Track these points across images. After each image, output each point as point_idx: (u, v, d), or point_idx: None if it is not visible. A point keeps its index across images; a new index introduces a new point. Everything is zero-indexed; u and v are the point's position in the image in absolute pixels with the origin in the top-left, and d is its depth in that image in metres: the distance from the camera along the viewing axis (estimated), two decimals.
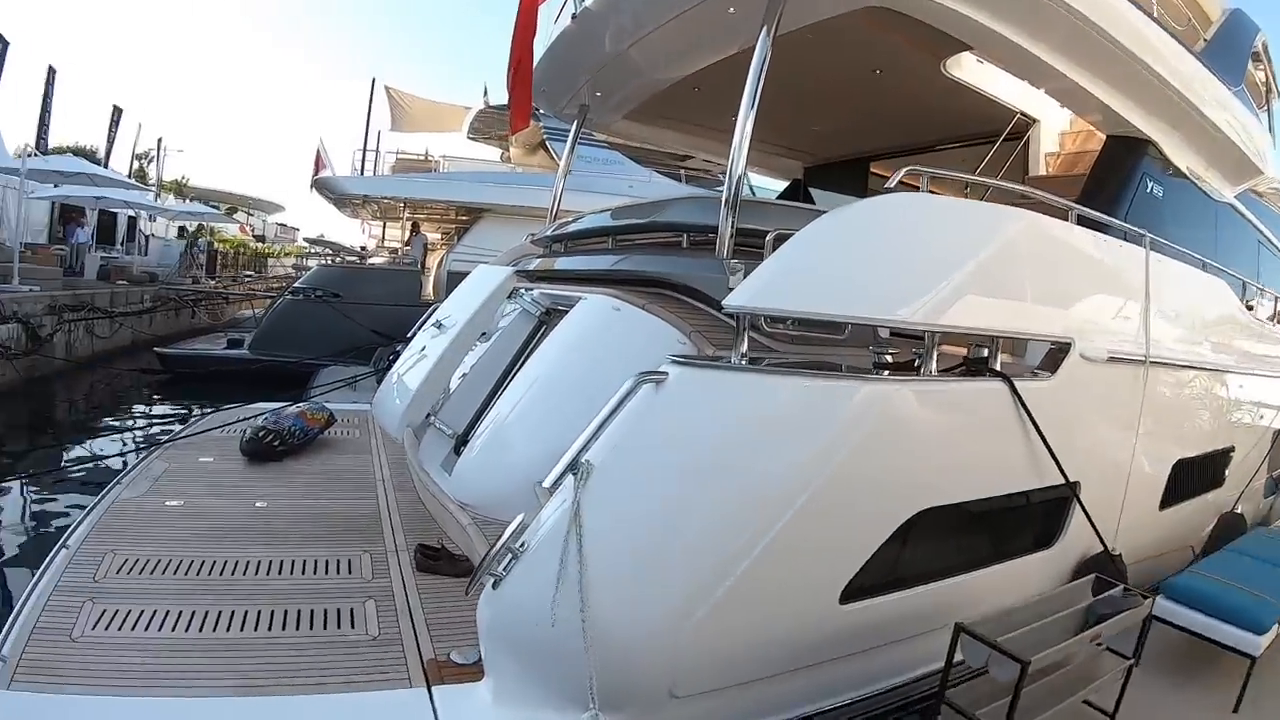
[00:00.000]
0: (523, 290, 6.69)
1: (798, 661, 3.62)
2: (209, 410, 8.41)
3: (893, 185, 4.24)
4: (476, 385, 6.20)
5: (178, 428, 7.60)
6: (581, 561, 3.07)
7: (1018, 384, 4.09)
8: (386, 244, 27.57)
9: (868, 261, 3.93)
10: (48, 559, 4.18)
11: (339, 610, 3.87)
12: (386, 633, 3.71)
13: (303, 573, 4.28)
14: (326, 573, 4.31)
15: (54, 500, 8.81)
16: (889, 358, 4.02)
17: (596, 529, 3.14)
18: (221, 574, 4.18)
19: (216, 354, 17.07)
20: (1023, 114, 7.70)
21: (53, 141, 28.08)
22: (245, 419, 7.18)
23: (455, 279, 19.62)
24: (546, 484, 3.25)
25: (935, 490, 3.88)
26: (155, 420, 13.87)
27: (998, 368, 4.16)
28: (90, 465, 10.04)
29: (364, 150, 23.37)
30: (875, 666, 3.96)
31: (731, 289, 3.89)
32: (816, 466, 3.45)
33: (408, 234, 21.23)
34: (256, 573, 4.22)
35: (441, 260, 20.38)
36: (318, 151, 21.82)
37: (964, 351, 4.33)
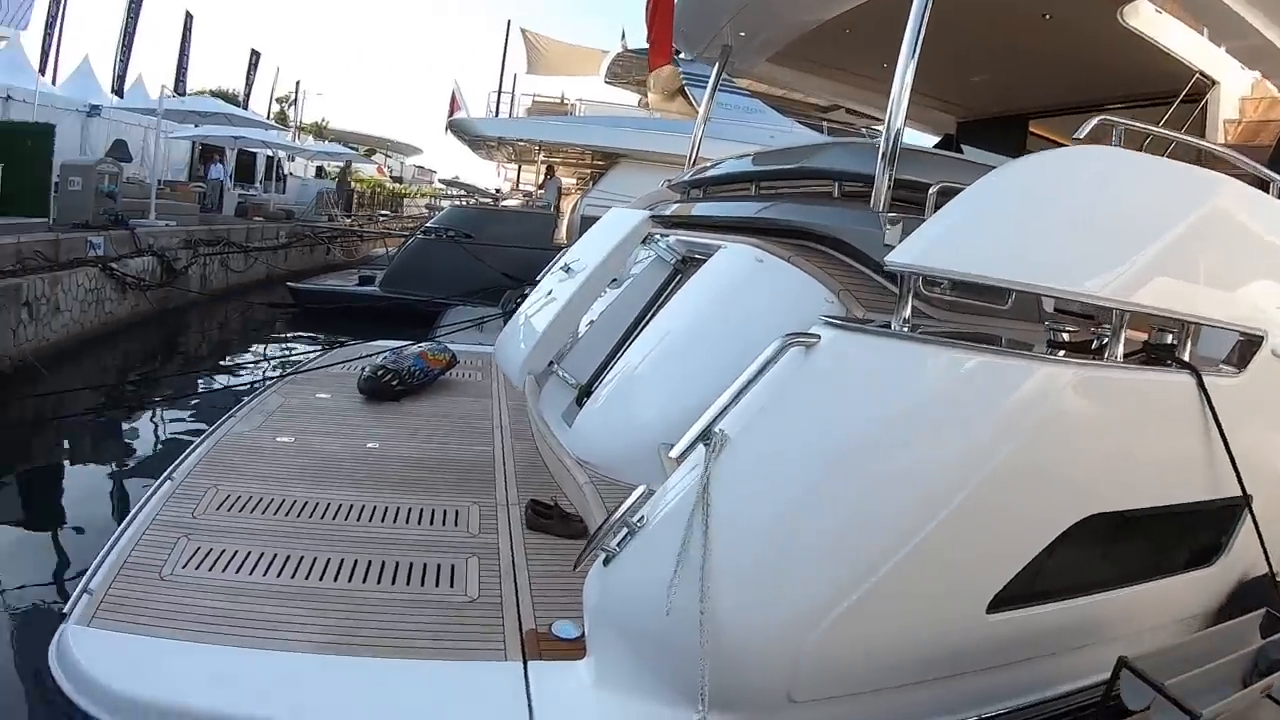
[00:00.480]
0: (657, 236, 6.26)
1: (933, 672, 3.18)
2: (335, 345, 8.34)
3: (1082, 136, 3.63)
4: (604, 333, 5.83)
5: (301, 361, 7.53)
6: (706, 546, 2.67)
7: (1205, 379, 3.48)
8: (521, 187, 27.58)
9: (1053, 223, 3.36)
10: (149, 491, 4.04)
11: (439, 566, 3.59)
12: (486, 595, 3.40)
13: (406, 521, 4.04)
14: (432, 523, 4.05)
15: (177, 428, 8.92)
16: (1066, 336, 3.53)
17: (725, 511, 2.74)
18: (324, 517, 3.97)
19: (347, 290, 17.28)
20: (1201, 74, 6.90)
21: (194, 86, 28.78)
22: (366, 355, 7.06)
23: (589, 223, 19.43)
24: (675, 453, 2.84)
25: (1104, 494, 3.35)
26: (283, 354, 13.99)
27: (1186, 358, 3.55)
28: (216, 395, 10.16)
29: (499, 92, 23.26)
30: (1013, 680, 3.47)
31: (888, 245, 3.54)
32: (983, 458, 2.97)
33: (542, 177, 21.05)
34: (359, 518, 3.99)
35: (576, 205, 20.13)
36: (453, 93, 21.70)
37: (1142, 336, 3.75)
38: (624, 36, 22.40)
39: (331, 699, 2.72)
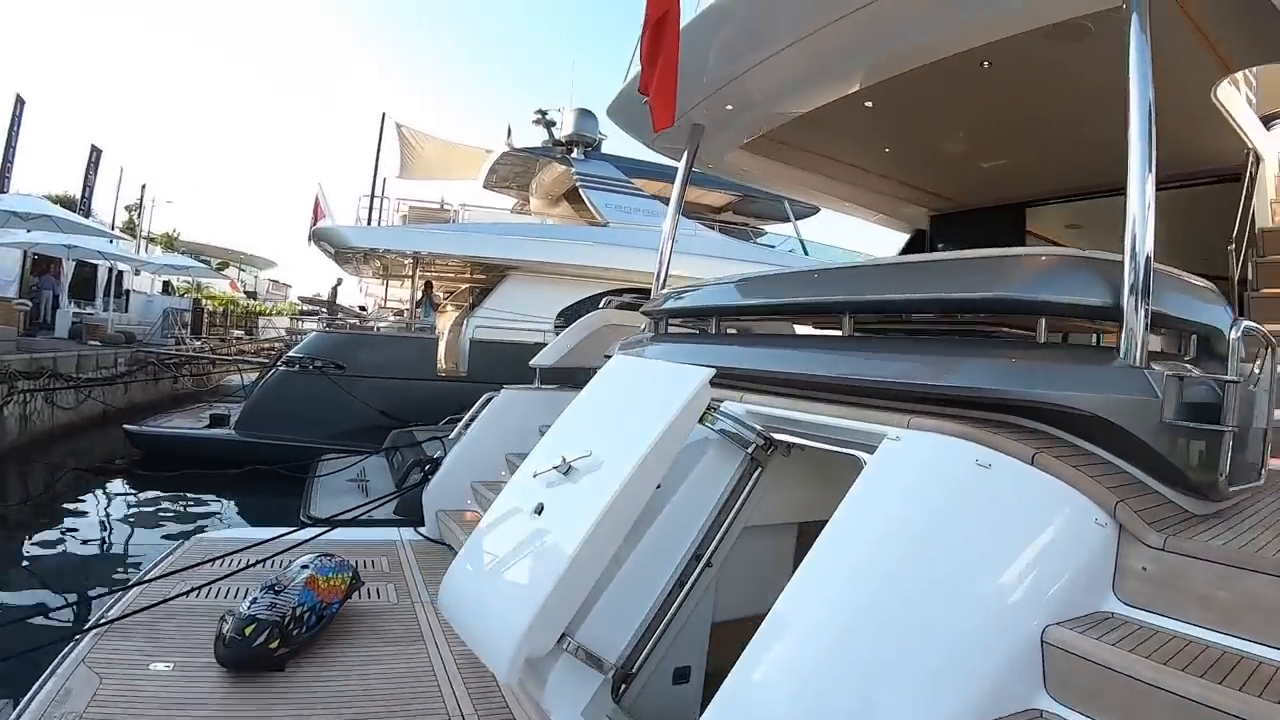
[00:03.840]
0: (720, 404, 3.93)
1: None
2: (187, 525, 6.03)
3: None
4: (648, 573, 3.66)
5: (118, 591, 5.11)
6: None
7: None
8: (389, 304, 25.08)
9: None
10: None
11: None
12: None
13: None
14: None
15: None
16: None
17: None
18: None
19: (196, 434, 14.42)
20: (1254, 150, 6.35)
21: (29, 186, 25.55)
22: (228, 553, 5.46)
23: (480, 348, 17.71)
24: None
25: None
26: (107, 550, 10.39)
27: None
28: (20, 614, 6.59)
29: (372, 197, 20.41)
30: None
31: (1167, 420, 2.88)
32: None
33: (419, 293, 18.56)
34: None
35: (463, 325, 17.75)
36: (317, 198, 19.06)
37: None
38: (510, 134, 20.35)
39: None
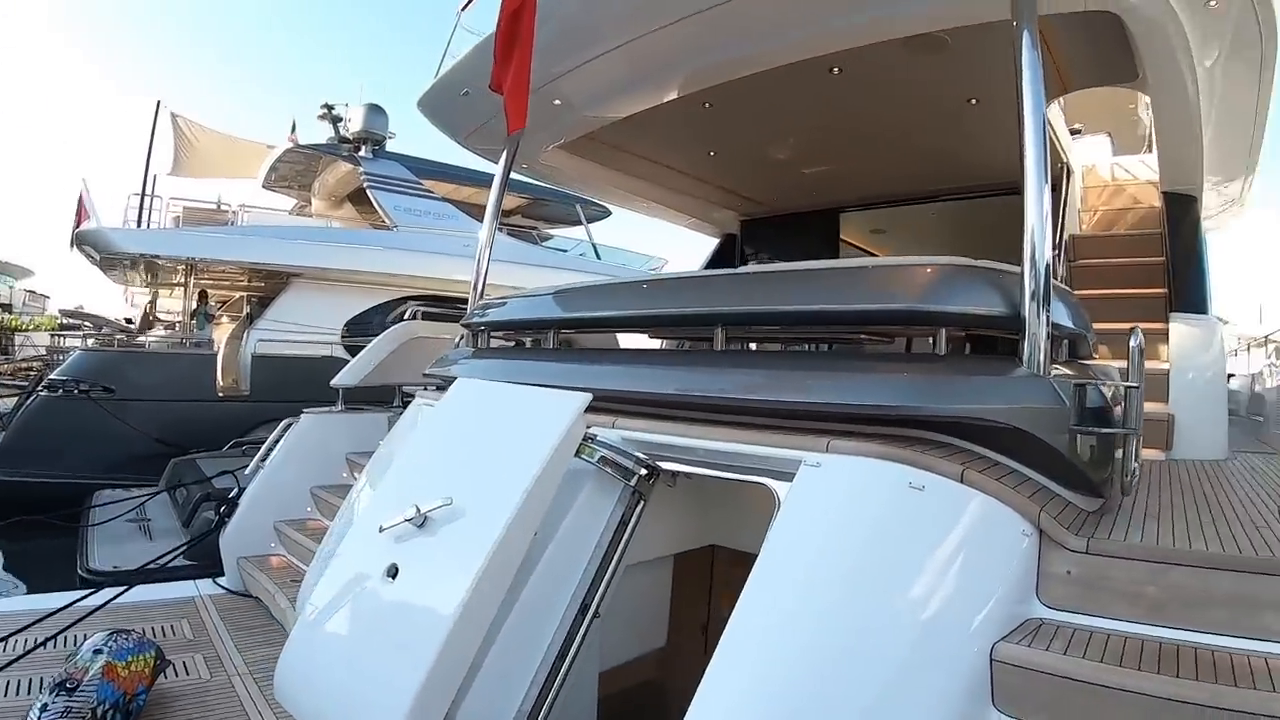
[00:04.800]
0: (597, 434, 3.49)
1: None
2: None
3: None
4: (532, 632, 3.19)
5: None
6: None
7: None
8: (160, 315, 23.05)
9: None
10: None
11: None
12: None
13: None
14: None
15: None
16: None
17: None
18: None
19: None
20: (1067, 163, 7.14)
21: None
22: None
23: (263, 364, 16.43)
24: None
25: None
26: None
27: None
28: None
29: (143, 196, 18.57)
30: None
31: (1074, 426, 2.96)
32: None
33: (193, 303, 16.98)
34: None
35: (242, 338, 16.30)
36: (81, 198, 17.12)
37: None
38: (294, 129, 19.01)
39: None
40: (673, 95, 5.90)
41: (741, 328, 3.99)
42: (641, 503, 3.39)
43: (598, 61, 5.41)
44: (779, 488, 2.87)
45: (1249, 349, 10.03)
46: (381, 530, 3.12)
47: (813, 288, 3.50)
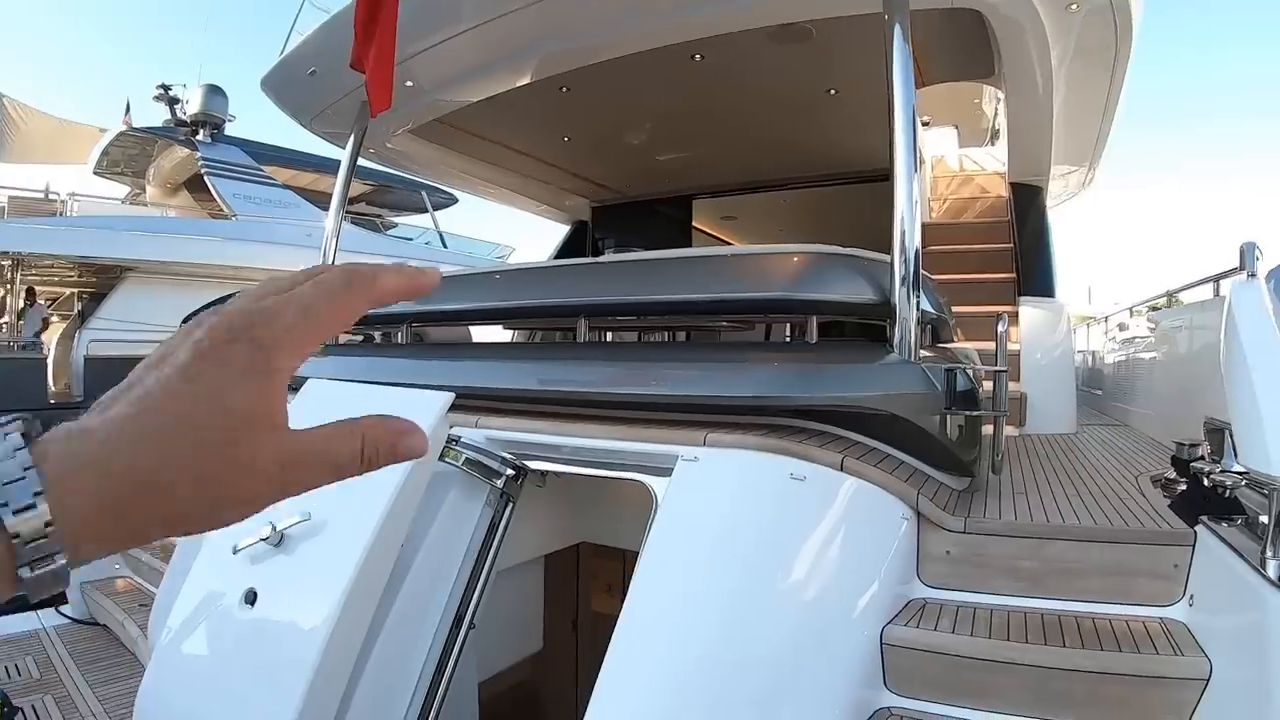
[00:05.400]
0: (460, 437, 3.24)
1: None
2: None
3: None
4: (405, 649, 2.97)
5: None
6: None
7: None
8: None
9: None
10: None
11: None
12: None
13: None
14: None
15: None
16: None
17: None
18: None
19: None
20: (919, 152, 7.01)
21: None
22: None
23: (97, 366, 15.31)
24: None
25: None
26: None
27: None
28: None
29: None
30: None
31: (947, 410, 2.96)
32: None
33: (20, 303, 15.73)
34: None
35: (73, 339, 15.26)
36: None
37: None
38: (129, 110, 17.83)
39: None
40: (530, 79, 5.74)
41: (604, 318, 3.89)
42: (510, 505, 3.23)
43: (453, 42, 5.19)
44: (655, 484, 2.78)
45: (1088, 327, 10.57)
46: (236, 551, 2.88)
47: (684, 276, 3.45)
